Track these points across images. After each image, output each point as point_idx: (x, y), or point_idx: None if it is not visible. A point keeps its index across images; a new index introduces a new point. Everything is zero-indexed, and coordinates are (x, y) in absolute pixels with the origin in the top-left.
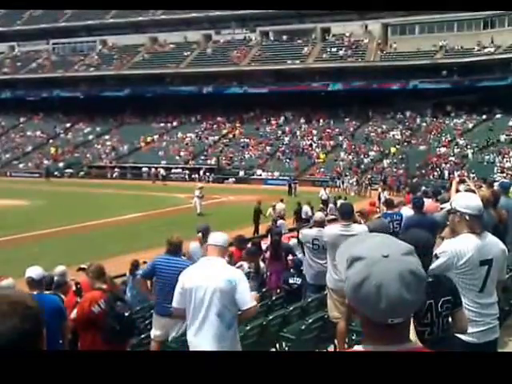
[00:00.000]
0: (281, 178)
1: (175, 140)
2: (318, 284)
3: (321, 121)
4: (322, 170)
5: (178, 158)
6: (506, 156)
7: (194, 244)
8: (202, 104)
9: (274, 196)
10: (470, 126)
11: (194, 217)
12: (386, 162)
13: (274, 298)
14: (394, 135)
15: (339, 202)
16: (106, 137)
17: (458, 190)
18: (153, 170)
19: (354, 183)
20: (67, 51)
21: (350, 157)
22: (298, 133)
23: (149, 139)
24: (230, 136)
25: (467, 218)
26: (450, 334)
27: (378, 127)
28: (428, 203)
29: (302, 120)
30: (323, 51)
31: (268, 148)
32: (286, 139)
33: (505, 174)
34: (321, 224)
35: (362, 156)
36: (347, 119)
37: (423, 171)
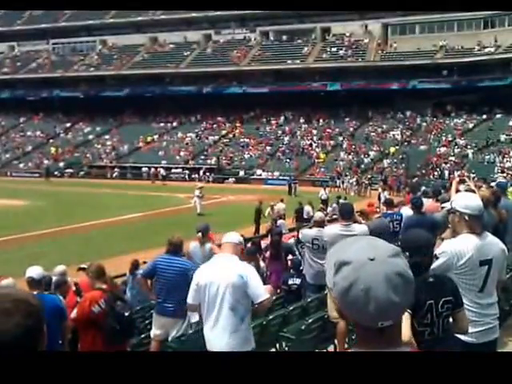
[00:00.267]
0: (281, 177)
1: (175, 140)
2: (317, 284)
3: (321, 121)
4: (322, 169)
5: (178, 157)
6: (506, 156)
7: (193, 244)
8: (201, 104)
9: (274, 196)
10: (471, 125)
11: (194, 217)
12: (386, 162)
13: (274, 297)
14: (394, 135)
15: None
16: (106, 137)
17: (458, 190)
18: (152, 169)
19: (354, 183)
20: (67, 51)
21: (350, 157)
22: (298, 133)
23: (149, 139)
24: (230, 136)
25: (467, 218)
26: (450, 335)
27: (378, 127)
28: (428, 203)
29: (302, 120)
30: (323, 51)
31: (268, 148)
32: (286, 139)
33: (505, 174)
34: (321, 224)
35: (362, 156)
36: (347, 119)
37: (423, 171)
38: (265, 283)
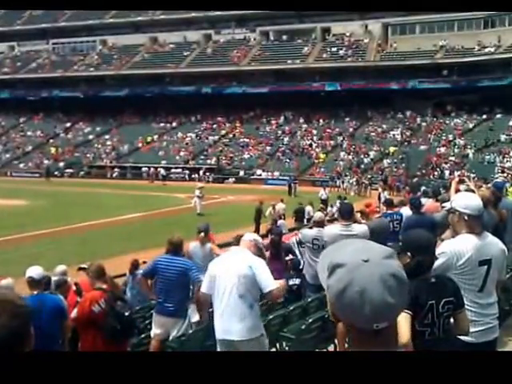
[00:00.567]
0: (281, 177)
1: (175, 140)
2: (318, 284)
3: (321, 121)
4: (322, 169)
5: (177, 157)
6: (506, 156)
7: (193, 244)
8: (201, 104)
9: (274, 196)
10: (471, 125)
11: (194, 217)
12: (386, 162)
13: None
14: (394, 135)
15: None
16: (106, 137)
17: (458, 190)
18: (151, 169)
19: (354, 183)
20: (67, 51)
21: (350, 157)
22: (298, 133)
23: (149, 139)
24: (230, 136)
25: (466, 217)
26: (450, 335)
27: (378, 127)
28: (428, 203)
29: (302, 120)
30: (323, 51)
31: (268, 148)
32: (286, 139)
33: (505, 174)
34: (320, 224)
35: (361, 156)
36: (347, 119)
37: (423, 171)
38: None
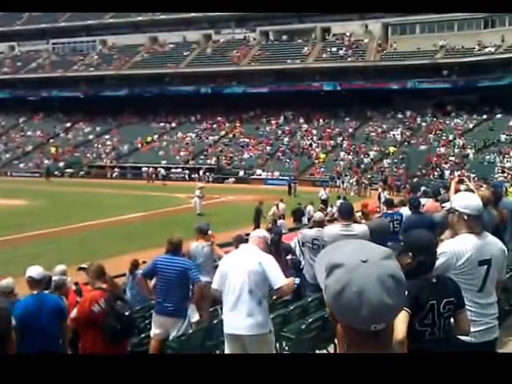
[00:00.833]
0: (281, 177)
1: (175, 140)
2: (318, 283)
3: (321, 121)
4: (322, 169)
5: (177, 157)
6: (506, 156)
7: (195, 244)
8: (201, 104)
9: (274, 196)
10: (471, 125)
11: (194, 217)
12: (386, 162)
13: (274, 297)
14: (394, 135)
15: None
16: (106, 137)
17: (457, 190)
18: (150, 169)
19: (354, 183)
20: (67, 51)
21: (350, 157)
22: (298, 133)
23: (149, 139)
24: (230, 136)
25: (466, 217)
26: (450, 335)
27: (378, 127)
28: (428, 203)
29: (302, 120)
30: (323, 51)
31: (268, 148)
32: (286, 139)
33: (505, 174)
34: (320, 224)
35: (361, 156)
36: (347, 119)
37: (423, 171)
38: None
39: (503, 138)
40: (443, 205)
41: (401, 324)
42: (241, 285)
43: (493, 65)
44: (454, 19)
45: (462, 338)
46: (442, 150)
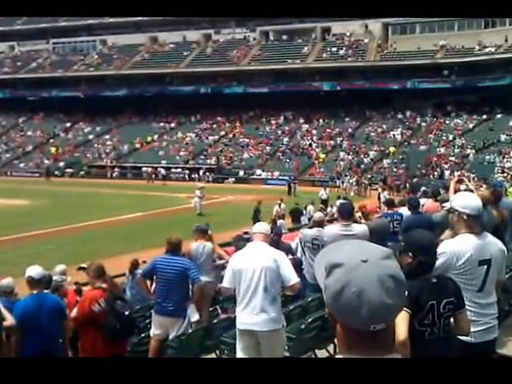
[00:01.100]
0: (280, 177)
1: (175, 140)
2: (317, 283)
3: (321, 121)
4: (322, 169)
5: (177, 157)
6: (506, 156)
7: (195, 244)
8: (201, 104)
9: (274, 196)
10: (471, 125)
11: (194, 217)
12: (386, 162)
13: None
14: (394, 135)
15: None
16: (106, 136)
17: (457, 190)
18: (150, 169)
19: (354, 183)
20: (67, 51)
21: (350, 157)
22: (297, 133)
23: (149, 139)
24: (230, 136)
25: (465, 217)
26: (450, 335)
27: (378, 127)
28: (428, 203)
29: (302, 120)
30: (323, 51)
31: (268, 148)
32: (286, 139)
33: (505, 174)
34: (320, 224)
35: (361, 156)
36: (347, 119)
37: (423, 171)
38: None
39: (503, 138)
40: (443, 205)
41: (402, 325)
42: (256, 282)
43: (493, 65)
44: (454, 19)
45: (461, 337)
46: (442, 150)
